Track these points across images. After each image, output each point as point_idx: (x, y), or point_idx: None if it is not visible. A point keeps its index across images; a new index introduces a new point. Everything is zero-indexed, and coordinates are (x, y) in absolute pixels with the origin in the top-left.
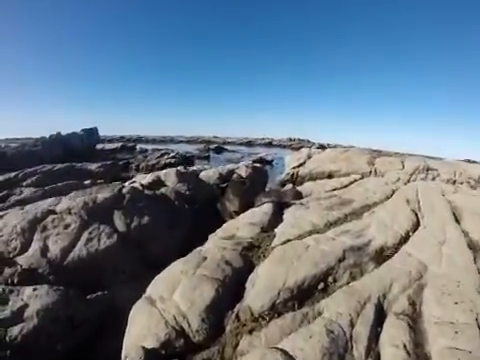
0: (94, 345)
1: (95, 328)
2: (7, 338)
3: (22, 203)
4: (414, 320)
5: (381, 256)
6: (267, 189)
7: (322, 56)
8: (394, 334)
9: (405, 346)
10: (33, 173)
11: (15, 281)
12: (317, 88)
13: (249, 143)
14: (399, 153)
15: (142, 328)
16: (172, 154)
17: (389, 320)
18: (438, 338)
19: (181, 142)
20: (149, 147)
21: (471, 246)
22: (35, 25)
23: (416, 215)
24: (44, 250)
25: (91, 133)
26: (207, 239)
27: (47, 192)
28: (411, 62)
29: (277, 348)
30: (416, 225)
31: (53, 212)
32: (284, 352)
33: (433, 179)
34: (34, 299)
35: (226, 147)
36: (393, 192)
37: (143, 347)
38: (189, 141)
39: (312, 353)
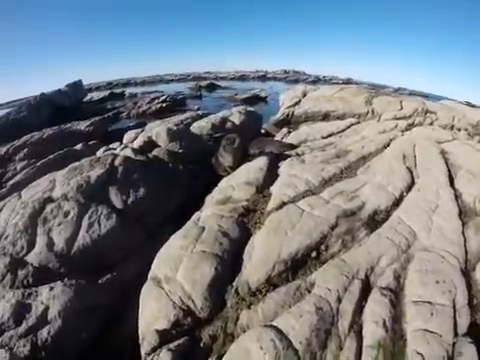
0: (111, 325)
1: (110, 310)
2: (38, 342)
3: (18, 187)
4: (397, 295)
5: (373, 221)
6: (262, 130)
7: None
8: (376, 310)
9: (385, 322)
10: (23, 145)
11: (30, 282)
12: (315, 15)
13: (242, 77)
14: (399, 89)
15: (153, 311)
16: (163, 98)
17: (373, 295)
18: (414, 318)
19: (172, 81)
20: (138, 90)
21: (462, 210)
22: None
23: (411, 173)
24: (50, 245)
25: (76, 87)
26: (204, 200)
27: (40, 169)
28: None
29: (272, 326)
30: (411, 185)
31: (50, 200)
32: (278, 330)
33: (431, 124)
34: (53, 300)
35: (219, 83)
36: (390, 141)
37: (156, 330)
38: (180, 79)
39: (302, 331)
